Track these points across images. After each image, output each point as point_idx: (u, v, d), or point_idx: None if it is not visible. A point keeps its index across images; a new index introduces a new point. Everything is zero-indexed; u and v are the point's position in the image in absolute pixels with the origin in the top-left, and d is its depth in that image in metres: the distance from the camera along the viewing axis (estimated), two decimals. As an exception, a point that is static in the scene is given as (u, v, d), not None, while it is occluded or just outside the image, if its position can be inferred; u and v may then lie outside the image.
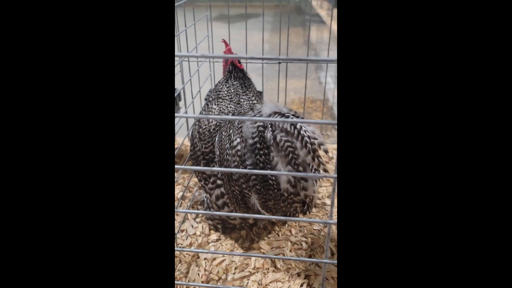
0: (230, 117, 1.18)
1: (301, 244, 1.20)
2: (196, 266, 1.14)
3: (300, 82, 4.22)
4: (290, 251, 1.18)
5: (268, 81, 4.13)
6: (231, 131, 1.07)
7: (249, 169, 1.01)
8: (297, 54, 5.28)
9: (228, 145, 1.06)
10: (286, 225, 1.29)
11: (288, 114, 0.99)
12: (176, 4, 1.37)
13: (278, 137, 0.97)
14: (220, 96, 1.24)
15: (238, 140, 1.03)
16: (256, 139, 1.00)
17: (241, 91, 1.24)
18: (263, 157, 1.00)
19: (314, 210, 1.35)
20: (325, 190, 1.47)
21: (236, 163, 1.03)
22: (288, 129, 0.97)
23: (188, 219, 1.33)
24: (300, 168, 0.97)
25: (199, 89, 1.54)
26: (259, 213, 1.06)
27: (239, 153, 1.02)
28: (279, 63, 1.56)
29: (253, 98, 1.25)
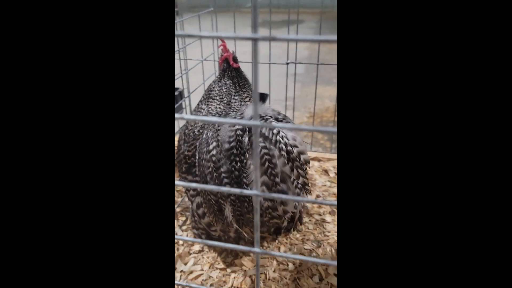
0: (202, 117, 1.08)
1: (287, 265, 1.07)
2: (170, 278, 1.05)
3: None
4: (273, 271, 1.05)
5: (304, 87, 3.99)
6: (210, 134, 0.97)
7: (223, 176, 0.90)
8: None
9: (205, 149, 0.96)
10: (276, 241, 1.17)
11: (268, 118, 0.88)
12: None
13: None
14: (210, 96, 1.14)
15: (214, 144, 0.93)
16: (233, 143, 0.89)
17: (233, 91, 1.14)
18: (238, 164, 0.89)
19: (310, 227, 1.22)
20: (328, 206, 1.32)
21: (210, 169, 0.93)
22: (266, 134, 0.85)
23: (173, 226, 1.25)
24: (277, 179, 0.85)
25: (203, 83, 1.46)
26: (231, 225, 0.95)
27: (213, 158, 0.92)
28: (287, 63, 1.44)
29: (246, 99, 1.14)
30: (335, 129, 0.40)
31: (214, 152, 0.92)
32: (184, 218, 1.28)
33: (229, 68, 1.16)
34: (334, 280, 1.01)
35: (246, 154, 0.86)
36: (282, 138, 0.83)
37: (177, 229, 1.23)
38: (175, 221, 1.27)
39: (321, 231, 1.20)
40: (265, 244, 1.16)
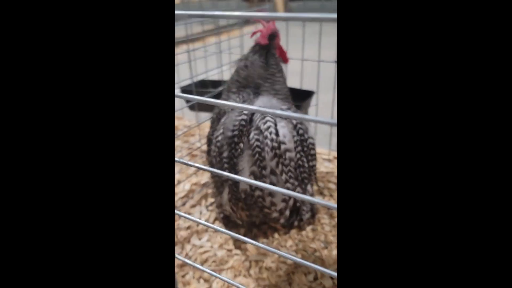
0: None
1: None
2: (181, 248, 1.16)
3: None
4: (272, 262, 1.08)
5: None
6: (222, 120, 1.04)
7: (224, 161, 0.97)
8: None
9: (215, 133, 1.04)
10: (288, 235, 1.19)
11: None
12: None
13: (252, 134, 0.91)
14: (237, 79, 1.19)
15: (221, 130, 1.00)
16: (235, 132, 0.95)
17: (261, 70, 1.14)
18: (237, 151, 0.94)
19: (326, 228, 1.20)
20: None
21: (215, 153, 1.00)
22: (261, 127, 0.89)
23: (200, 204, 1.36)
24: (264, 172, 0.88)
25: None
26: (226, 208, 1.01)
27: (218, 144, 0.99)
28: (336, 62, 1.41)
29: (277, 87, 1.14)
30: (335, 120, 0.40)
31: (219, 138, 0.99)
32: (213, 200, 1.38)
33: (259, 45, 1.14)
34: (328, 282, 1.00)
35: (241, 144, 0.91)
36: (270, 134, 0.85)
37: (202, 208, 1.34)
38: (204, 201, 1.37)
39: (336, 233, 1.18)
40: (276, 235, 1.19)
